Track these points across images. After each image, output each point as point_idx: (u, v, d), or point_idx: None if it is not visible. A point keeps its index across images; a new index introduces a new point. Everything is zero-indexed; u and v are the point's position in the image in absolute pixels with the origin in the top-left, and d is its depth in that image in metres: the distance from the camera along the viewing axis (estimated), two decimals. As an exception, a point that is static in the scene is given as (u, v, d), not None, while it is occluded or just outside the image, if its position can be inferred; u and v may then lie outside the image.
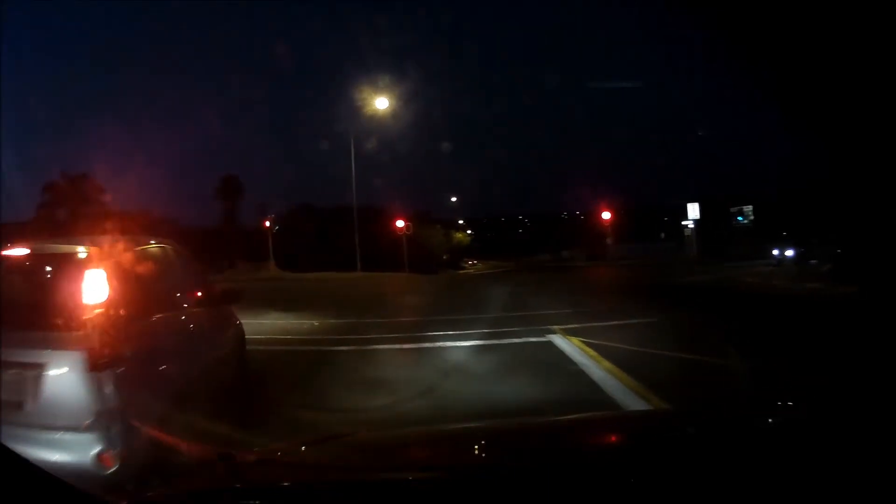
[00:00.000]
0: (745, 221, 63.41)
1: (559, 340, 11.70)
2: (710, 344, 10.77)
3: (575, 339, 11.52)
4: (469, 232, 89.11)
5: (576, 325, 13.49)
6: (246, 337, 9.17)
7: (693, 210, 64.44)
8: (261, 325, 15.57)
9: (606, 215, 64.15)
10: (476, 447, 2.90)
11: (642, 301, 20.02)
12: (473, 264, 71.11)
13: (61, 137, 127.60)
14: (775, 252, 36.94)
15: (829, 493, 1.76)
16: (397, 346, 12.08)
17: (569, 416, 4.52)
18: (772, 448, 2.29)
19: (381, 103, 39.95)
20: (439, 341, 12.23)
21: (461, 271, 57.52)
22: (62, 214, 62.96)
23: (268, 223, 46.31)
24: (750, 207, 64.14)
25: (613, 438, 3.05)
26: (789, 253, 35.56)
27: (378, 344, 12.35)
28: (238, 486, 2.10)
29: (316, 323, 16.55)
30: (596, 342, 11.07)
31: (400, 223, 46.74)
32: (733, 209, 65.17)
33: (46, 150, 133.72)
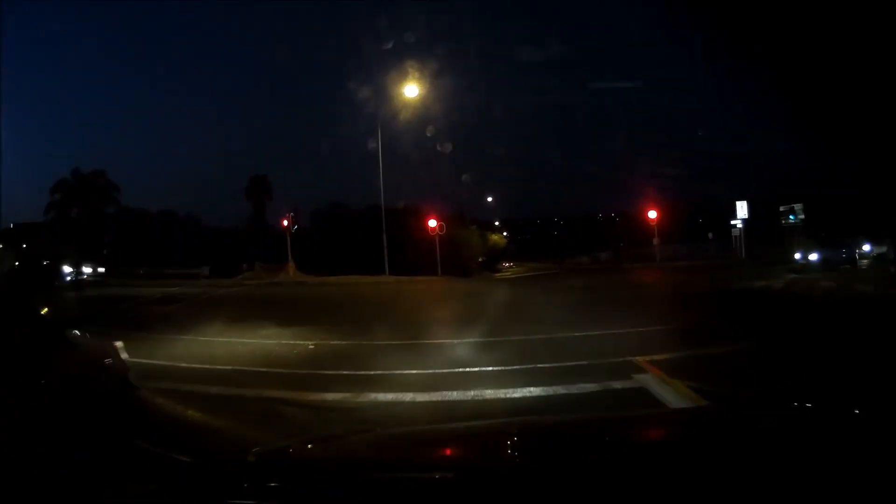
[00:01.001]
0: (796, 221, 60.34)
1: (655, 386, 7.85)
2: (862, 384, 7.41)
3: (678, 385, 7.67)
4: (505, 234, 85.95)
5: (665, 356, 9.77)
6: (208, 367, 8.36)
7: (741, 209, 60.65)
8: (238, 348, 12.60)
9: (652, 214, 60.51)
10: (487, 446, 2.79)
11: (723, 314, 16.19)
12: (509, 266, 67.43)
13: (70, 138, 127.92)
14: (797, 256, 32.70)
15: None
16: (409, 396, 8.16)
17: (581, 416, 5.28)
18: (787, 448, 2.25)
19: (410, 91, 37.38)
20: (475, 386, 8.44)
21: (497, 274, 54.01)
22: (74, 213, 61.79)
23: (286, 222, 42.94)
24: (801, 206, 61.12)
25: (625, 438, 2.87)
26: (813, 257, 31.57)
27: (382, 390, 8.45)
28: (246, 485, 2.08)
29: (312, 345, 12.95)
30: (711, 389, 7.29)
31: (432, 223, 43.61)
32: (783, 208, 62.13)
33: (52, 151, 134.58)
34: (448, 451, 2.79)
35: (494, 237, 68.14)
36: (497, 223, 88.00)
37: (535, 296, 24.32)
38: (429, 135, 46.92)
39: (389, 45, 38.73)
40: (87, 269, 41.84)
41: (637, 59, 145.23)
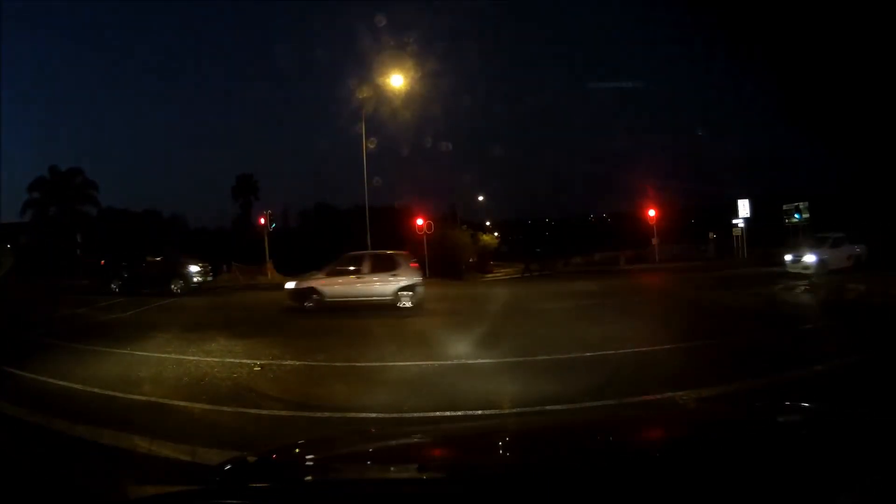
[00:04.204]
0: (801, 219, 58.85)
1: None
2: None
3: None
4: (496, 234, 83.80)
5: (713, 390, 7.49)
6: (117, 395, 7.64)
7: (743, 208, 59.24)
8: (170, 368, 10.57)
9: (651, 213, 58.49)
10: (482, 447, 2.80)
11: (800, 331, 13.48)
12: (495, 264, 64.69)
13: (51, 135, 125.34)
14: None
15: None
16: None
17: (576, 418, 5.24)
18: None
19: (395, 80, 34.85)
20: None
21: (489, 275, 51.68)
22: (52, 212, 59.57)
23: (263, 220, 40.53)
24: (805, 204, 59.65)
25: (623, 438, 2.87)
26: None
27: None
28: (252, 485, 2.10)
29: (258, 366, 10.58)
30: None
31: (419, 221, 41.36)
32: (786, 206, 60.67)
33: (31, 149, 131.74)
34: (444, 452, 2.79)
35: (486, 238, 65.74)
36: (488, 223, 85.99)
37: (538, 303, 21.35)
38: (423, 135, 45.30)
39: (383, 45, 36.49)
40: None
41: (636, 58, 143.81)
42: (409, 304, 19.49)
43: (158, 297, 25.30)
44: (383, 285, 19.78)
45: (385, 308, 19.04)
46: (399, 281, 19.87)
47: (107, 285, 27.52)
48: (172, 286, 27.19)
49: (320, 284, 19.98)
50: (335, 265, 21.06)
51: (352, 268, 20.49)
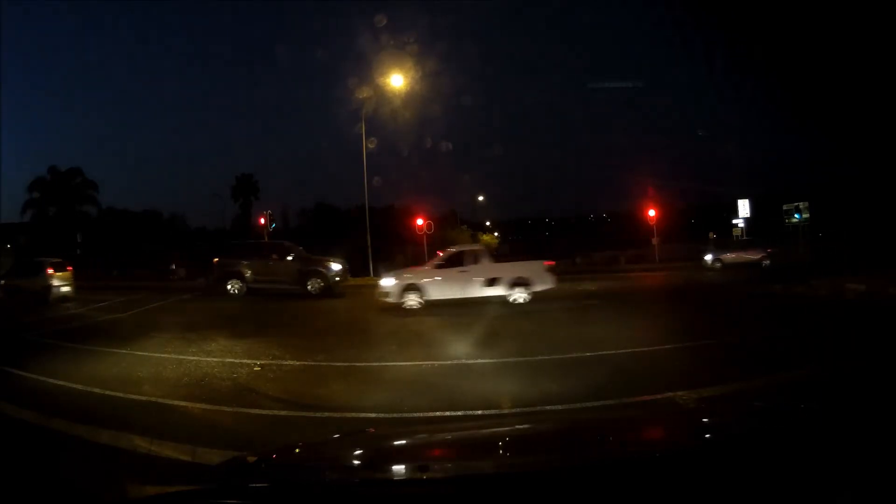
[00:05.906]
0: (801, 219, 58.78)
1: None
2: None
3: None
4: (496, 234, 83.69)
5: (716, 389, 7.41)
6: (117, 395, 7.53)
7: (743, 207, 59.47)
8: (171, 368, 10.55)
9: (651, 213, 58.24)
10: (480, 448, 2.81)
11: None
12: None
13: (51, 135, 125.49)
14: None
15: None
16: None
17: (574, 418, 5.32)
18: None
19: (395, 80, 34.72)
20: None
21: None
22: (52, 212, 59.61)
23: (263, 221, 40.29)
24: (805, 204, 59.57)
25: (622, 439, 2.84)
26: None
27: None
28: (245, 485, 2.10)
29: (258, 366, 10.52)
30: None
31: (419, 221, 41.30)
32: (787, 206, 60.61)
33: (32, 149, 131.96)
34: (443, 453, 2.79)
35: (486, 237, 65.72)
36: (488, 223, 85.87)
37: (546, 302, 20.97)
38: (423, 135, 45.20)
39: (383, 45, 36.24)
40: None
41: (637, 58, 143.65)
42: (49, 298, 24.98)
43: (289, 298, 24.14)
44: (32, 283, 25.69)
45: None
46: (46, 281, 25.59)
47: (221, 286, 25.90)
48: (309, 286, 25.38)
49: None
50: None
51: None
